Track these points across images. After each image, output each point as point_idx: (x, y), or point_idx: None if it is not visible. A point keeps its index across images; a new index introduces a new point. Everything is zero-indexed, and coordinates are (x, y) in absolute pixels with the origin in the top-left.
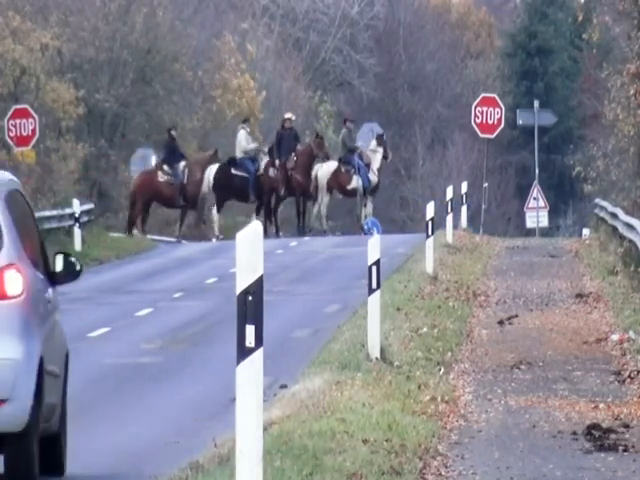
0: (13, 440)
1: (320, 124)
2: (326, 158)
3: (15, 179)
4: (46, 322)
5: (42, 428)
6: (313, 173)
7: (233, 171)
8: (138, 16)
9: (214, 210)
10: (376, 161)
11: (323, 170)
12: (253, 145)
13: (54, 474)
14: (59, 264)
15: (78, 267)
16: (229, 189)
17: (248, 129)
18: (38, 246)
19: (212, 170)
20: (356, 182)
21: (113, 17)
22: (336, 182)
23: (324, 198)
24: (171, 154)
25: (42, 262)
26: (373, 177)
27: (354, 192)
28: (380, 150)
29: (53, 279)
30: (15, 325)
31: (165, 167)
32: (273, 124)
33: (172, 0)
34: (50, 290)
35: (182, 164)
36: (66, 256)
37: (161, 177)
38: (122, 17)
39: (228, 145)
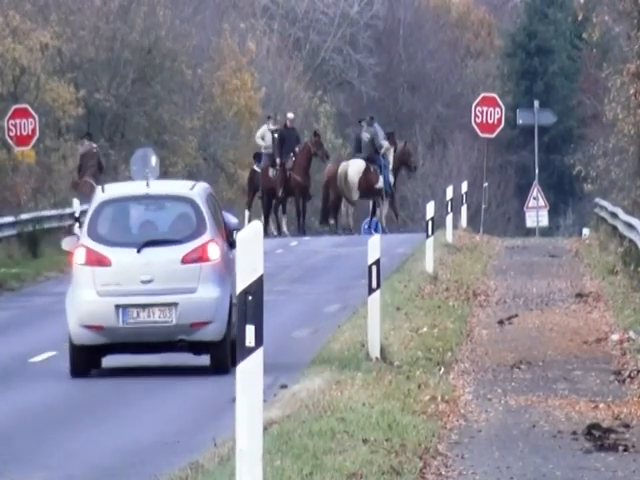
0: (216, 345)
1: (319, 125)
2: (325, 156)
3: (208, 186)
4: (231, 273)
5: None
6: (340, 171)
7: (255, 167)
8: (138, 15)
9: (247, 210)
10: (390, 162)
11: (353, 169)
12: (262, 142)
13: (234, 365)
14: (233, 236)
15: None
16: (255, 186)
17: (272, 126)
18: (223, 226)
19: None
20: (381, 182)
21: (113, 16)
22: (365, 181)
23: (354, 196)
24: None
25: (225, 235)
26: (391, 178)
27: (380, 192)
28: (391, 150)
29: (232, 246)
30: (216, 277)
31: None
32: None
33: (172, 0)
34: (231, 253)
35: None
36: (238, 231)
37: None
38: (122, 16)
39: (227, 144)
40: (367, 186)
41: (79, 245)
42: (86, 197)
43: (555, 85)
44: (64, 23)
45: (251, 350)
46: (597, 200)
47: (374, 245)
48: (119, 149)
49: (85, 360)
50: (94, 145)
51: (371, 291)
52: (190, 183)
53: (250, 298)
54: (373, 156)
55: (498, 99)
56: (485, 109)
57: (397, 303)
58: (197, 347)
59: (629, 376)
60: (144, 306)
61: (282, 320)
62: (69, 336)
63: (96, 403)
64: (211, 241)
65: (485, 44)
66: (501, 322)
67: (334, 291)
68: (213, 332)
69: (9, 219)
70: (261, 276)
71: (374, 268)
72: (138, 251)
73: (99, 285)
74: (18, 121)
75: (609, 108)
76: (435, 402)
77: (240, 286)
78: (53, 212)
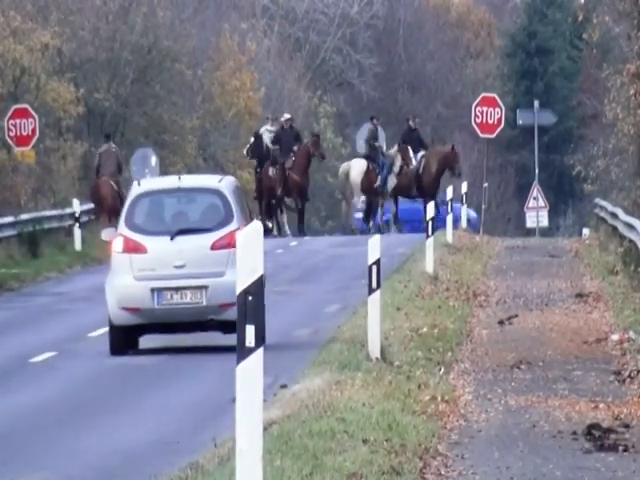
0: None
1: (319, 125)
2: (321, 156)
3: (235, 179)
4: None
5: None
6: (342, 172)
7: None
8: (138, 16)
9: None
10: (396, 166)
11: (355, 170)
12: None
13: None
14: None
15: (269, 226)
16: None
17: (270, 127)
18: (249, 216)
19: None
20: (379, 181)
21: (113, 16)
22: (367, 180)
23: (356, 197)
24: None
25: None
26: (392, 180)
27: (378, 191)
28: (399, 156)
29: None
30: None
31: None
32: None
33: (172, 0)
34: None
35: (419, 155)
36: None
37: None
38: (122, 17)
39: (227, 144)
40: (368, 185)
41: (117, 235)
42: (102, 196)
43: (555, 85)
44: (64, 23)
45: (251, 350)
46: (597, 200)
47: (374, 245)
48: (119, 149)
49: (123, 340)
50: (113, 145)
51: (371, 291)
52: (218, 177)
53: (250, 298)
54: (372, 154)
55: (498, 99)
56: (485, 109)
57: (397, 303)
58: (225, 326)
59: (629, 376)
60: (177, 289)
61: (282, 320)
62: (109, 317)
63: (96, 403)
64: (238, 229)
65: (485, 44)
66: (501, 322)
67: (334, 291)
68: None
69: (9, 219)
70: (261, 276)
71: (374, 268)
72: (171, 239)
73: (136, 270)
74: (18, 121)
75: (609, 108)
76: (435, 402)
77: (240, 286)
78: (53, 212)
